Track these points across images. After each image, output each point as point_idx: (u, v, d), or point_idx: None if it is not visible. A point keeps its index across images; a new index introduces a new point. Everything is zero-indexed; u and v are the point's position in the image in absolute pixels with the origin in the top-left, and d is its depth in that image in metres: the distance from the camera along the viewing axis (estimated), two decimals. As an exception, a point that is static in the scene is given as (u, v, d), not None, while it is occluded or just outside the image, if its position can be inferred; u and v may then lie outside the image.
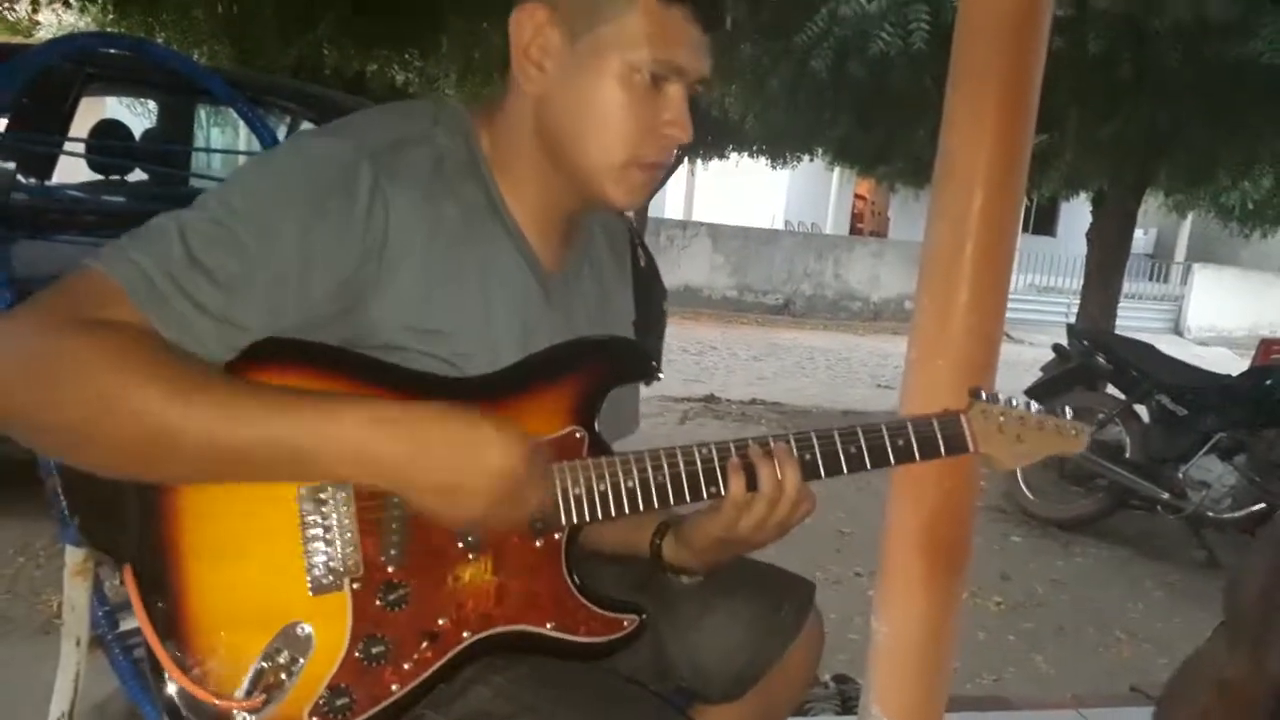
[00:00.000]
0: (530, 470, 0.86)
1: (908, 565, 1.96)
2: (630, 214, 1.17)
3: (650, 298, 1.18)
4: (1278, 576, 1.40)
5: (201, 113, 4.63)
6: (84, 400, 0.76)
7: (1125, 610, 3.63)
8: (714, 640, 1.12)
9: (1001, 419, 1.07)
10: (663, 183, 0.99)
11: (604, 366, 1.02)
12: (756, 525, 0.99)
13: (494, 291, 0.97)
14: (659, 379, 1.06)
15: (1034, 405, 1.10)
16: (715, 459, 0.98)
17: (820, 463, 1.00)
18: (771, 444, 0.99)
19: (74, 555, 1.24)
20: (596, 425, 1.00)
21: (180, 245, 0.82)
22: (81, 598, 1.26)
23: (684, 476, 0.97)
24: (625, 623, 1.01)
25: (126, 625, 1.28)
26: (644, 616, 1.02)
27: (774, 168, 10.84)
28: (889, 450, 1.02)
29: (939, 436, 1.04)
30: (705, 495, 0.98)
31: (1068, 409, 1.12)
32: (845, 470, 1.01)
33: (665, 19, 0.92)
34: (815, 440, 1.00)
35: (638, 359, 1.06)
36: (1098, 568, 4.11)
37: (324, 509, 0.88)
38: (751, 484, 0.97)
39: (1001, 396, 1.09)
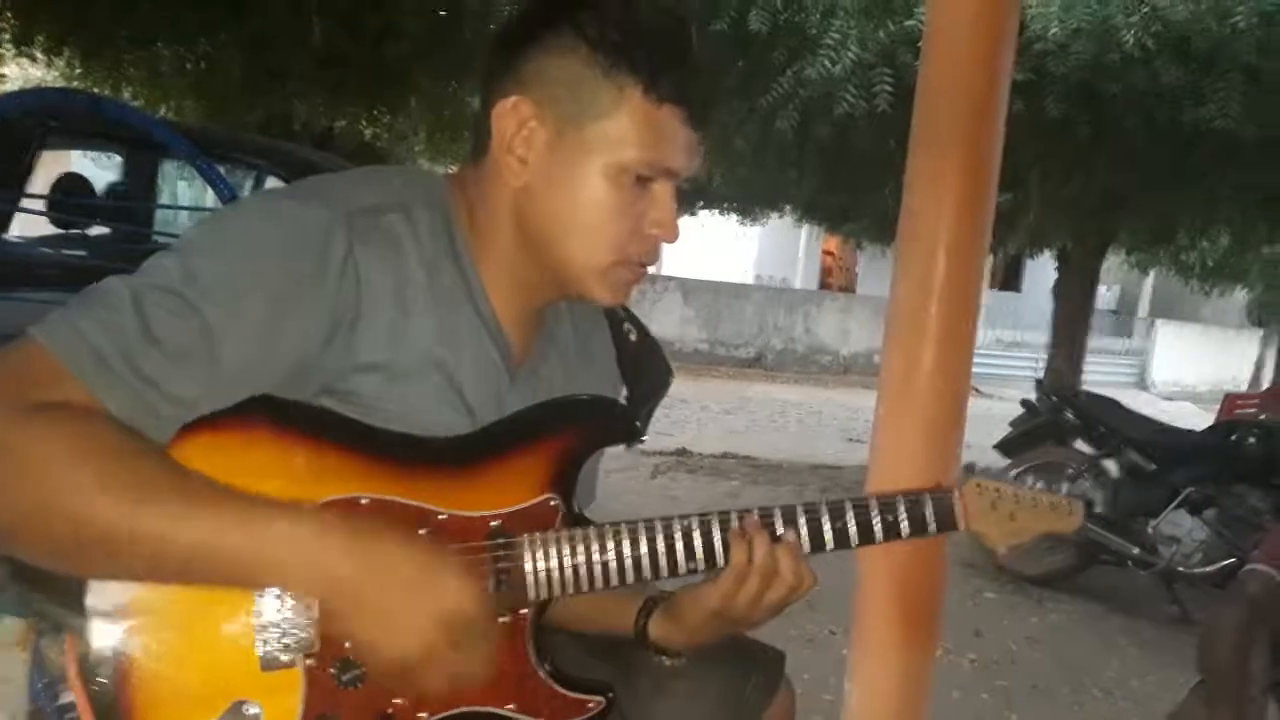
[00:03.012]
0: (478, 623, 0.83)
1: (880, 625, 1.94)
2: None
3: (644, 371, 1.13)
4: (1249, 633, 1.39)
5: (166, 166, 4.60)
6: (22, 495, 0.73)
7: (1099, 666, 3.60)
8: (681, 713, 1.09)
9: (995, 496, 1.04)
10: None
11: (585, 427, 0.98)
12: (751, 600, 0.96)
13: (462, 369, 0.94)
14: (642, 441, 1.04)
15: (1029, 482, 1.08)
16: (696, 532, 0.95)
17: (805, 537, 0.98)
18: (756, 518, 0.97)
19: (11, 626, 1.18)
20: (573, 493, 0.96)
21: (134, 316, 0.78)
22: (19, 671, 1.19)
23: (662, 551, 0.94)
24: (590, 704, 0.97)
25: (66, 699, 1.22)
26: (610, 696, 0.98)
27: (744, 224, 10.98)
28: (877, 527, 0.99)
29: (930, 514, 1.01)
30: (685, 570, 0.95)
31: (1064, 486, 1.10)
32: (829, 548, 0.99)
33: (656, 120, 0.90)
34: (800, 514, 0.98)
35: (619, 419, 1.03)
36: (1071, 624, 4.08)
37: None
38: (750, 554, 0.95)
39: (992, 473, 1.07)
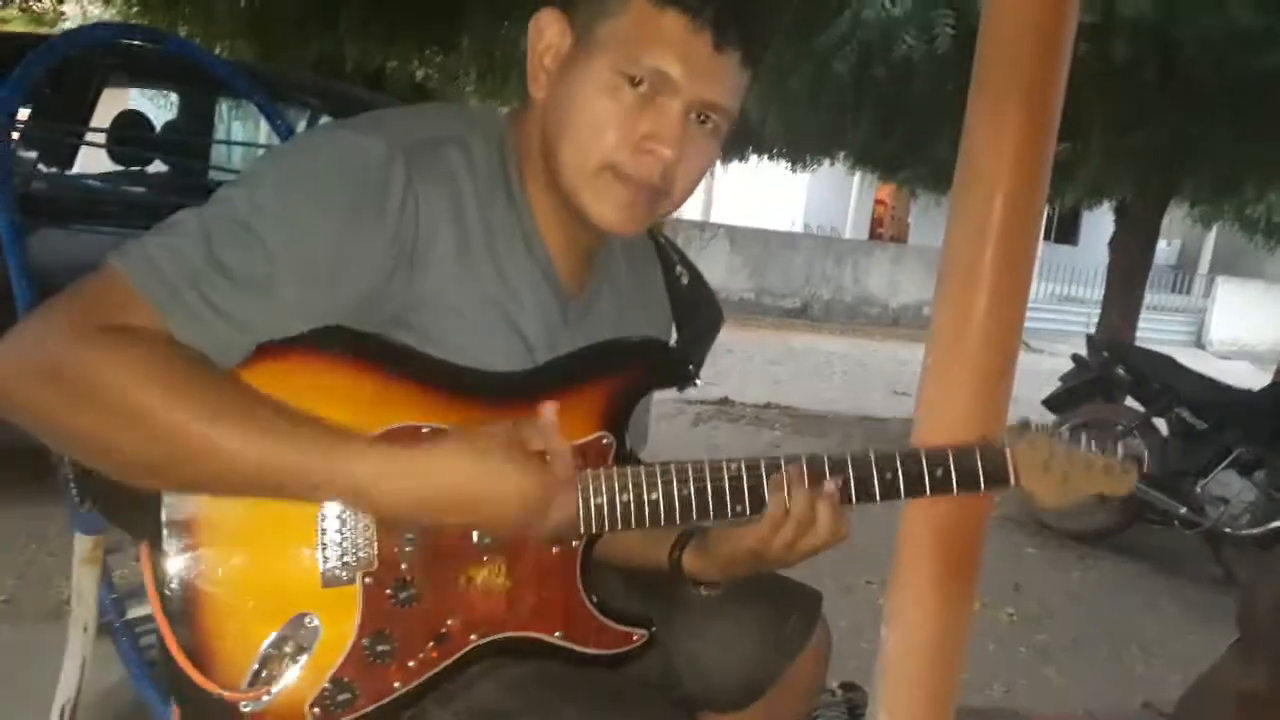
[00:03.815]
0: (546, 494, 0.85)
1: (918, 575, 1.95)
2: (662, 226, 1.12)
3: (695, 314, 1.13)
4: (1293, 595, 1.38)
5: (222, 105, 4.65)
6: (103, 413, 0.76)
7: (1140, 625, 3.59)
8: (720, 651, 1.11)
9: (1049, 455, 1.02)
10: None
11: (639, 370, 1.00)
12: (786, 545, 0.97)
13: (517, 305, 0.95)
14: (695, 385, 1.04)
15: (1084, 440, 1.05)
16: (744, 476, 0.96)
17: (853, 489, 0.97)
18: (803, 465, 0.97)
19: (83, 542, 1.25)
20: (626, 432, 0.98)
21: (203, 247, 0.81)
22: (90, 585, 1.26)
23: (710, 492, 0.95)
24: (634, 637, 1.00)
25: (134, 613, 1.28)
26: (652, 631, 1.01)
27: (794, 171, 10.81)
28: (926, 480, 0.98)
29: (980, 469, 0.99)
30: (730, 513, 0.96)
31: (1119, 447, 1.07)
32: (879, 499, 0.98)
33: (656, 23, 0.87)
34: (850, 464, 0.97)
35: (674, 363, 1.04)
36: (1113, 581, 4.06)
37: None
38: (787, 502, 0.95)
39: (1049, 430, 1.04)
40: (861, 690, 2.29)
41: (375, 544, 0.87)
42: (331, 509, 0.86)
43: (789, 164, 10.30)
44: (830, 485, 0.96)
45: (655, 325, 1.12)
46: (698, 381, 1.03)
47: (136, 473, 0.81)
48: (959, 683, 2.04)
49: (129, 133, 3.82)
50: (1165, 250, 17.53)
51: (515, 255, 0.95)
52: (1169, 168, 5.37)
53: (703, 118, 0.92)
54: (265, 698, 0.86)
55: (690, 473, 0.95)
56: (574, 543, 0.96)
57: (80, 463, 0.87)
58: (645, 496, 0.94)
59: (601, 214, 0.93)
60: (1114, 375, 4.40)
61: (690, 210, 16.45)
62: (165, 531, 0.85)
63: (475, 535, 0.91)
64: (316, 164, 0.86)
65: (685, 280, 1.13)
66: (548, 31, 0.93)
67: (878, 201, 19.24)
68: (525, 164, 0.97)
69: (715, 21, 0.87)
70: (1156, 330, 14.59)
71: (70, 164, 3.62)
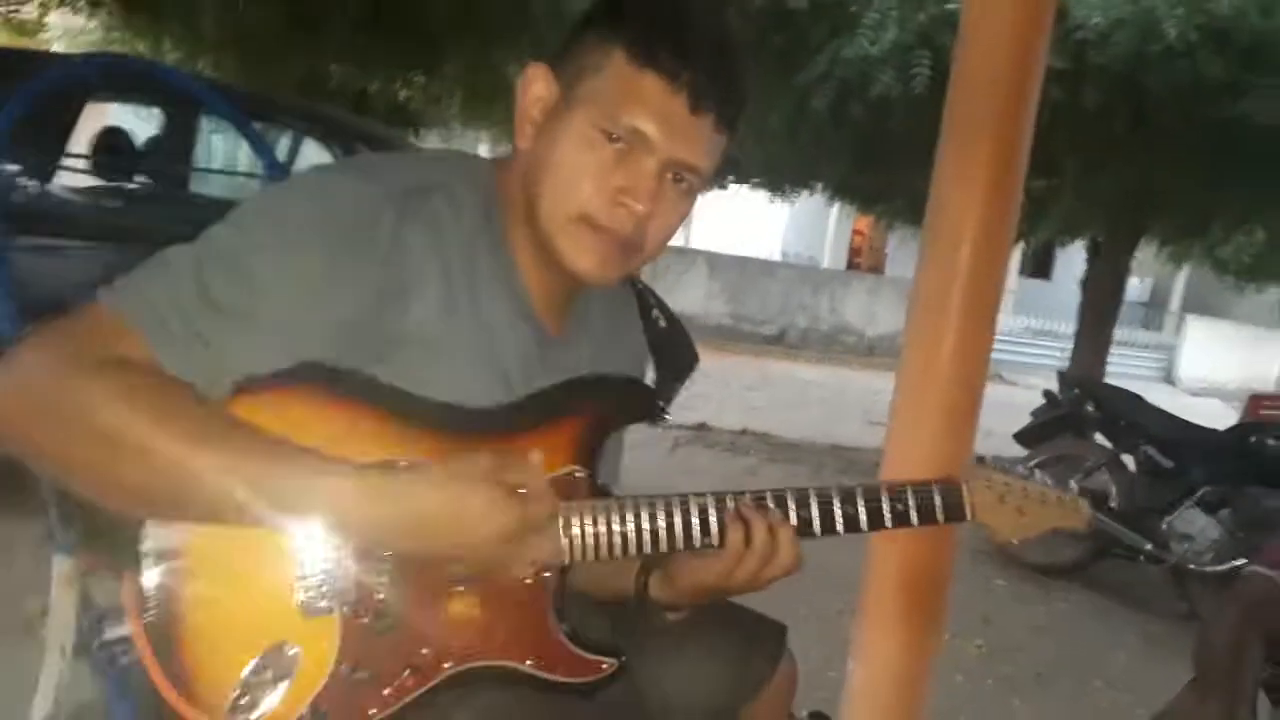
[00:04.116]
0: (522, 528, 0.87)
1: (885, 609, 1.98)
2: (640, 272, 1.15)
3: (671, 355, 1.16)
4: (1246, 631, 1.43)
5: (203, 122, 4.67)
6: (94, 440, 0.78)
7: (1105, 659, 3.63)
8: (686, 681, 1.14)
9: (1005, 489, 1.07)
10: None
11: (611, 405, 1.04)
12: (748, 577, 1.00)
13: (497, 345, 0.99)
14: (665, 420, 1.08)
15: (1038, 476, 1.10)
16: (711, 510, 0.99)
17: (816, 523, 1.01)
18: (769, 500, 1.00)
19: (62, 564, 1.25)
20: (596, 466, 1.01)
21: (193, 281, 0.84)
22: (68, 606, 1.27)
23: (679, 525, 0.98)
24: (604, 665, 1.02)
25: (111, 634, 1.29)
26: (622, 660, 1.03)
27: (773, 200, 10.92)
28: (886, 515, 1.02)
29: (938, 505, 1.04)
30: (699, 545, 0.99)
31: (1072, 483, 1.12)
32: (840, 532, 1.02)
33: (634, 84, 0.91)
34: (814, 499, 1.01)
35: (645, 400, 1.07)
36: (1079, 615, 4.12)
37: (322, 534, 0.89)
38: (748, 538, 0.98)
39: (1005, 465, 1.09)
40: (829, 720, 2.32)
41: (354, 575, 0.90)
42: (312, 540, 0.89)
43: (769, 193, 10.42)
44: (787, 520, 0.99)
45: (631, 365, 1.15)
46: (667, 417, 1.07)
47: (127, 500, 0.83)
48: (924, 715, 2.07)
49: (111, 151, 3.83)
50: (1137, 287, 17.80)
51: (496, 297, 0.99)
52: (1139, 209, 5.50)
53: (677, 177, 0.96)
54: (244, 723, 0.87)
55: (659, 506, 0.98)
56: (546, 573, 0.98)
57: (62, 488, 0.89)
58: (616, 529, 0.97)
59: (576, 262, 0.96)
60: (1084, 412, 4.48)
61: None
62: (146, 559, 0.87)
63: (450, 573, 0.94)
64: (307, 205, 0.90)
65: (662, 324, 1.16)
66: (534, 85, 0.97)
67: (856, 232, 19.44)
68: (509, 210, 1.00)
69: (692, 85, 0.91)
70: (1128, 366, 14.79)
71: (49, 179, 3.63)
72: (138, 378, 0.80)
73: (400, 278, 0.91)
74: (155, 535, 0.87)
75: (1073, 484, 1.12)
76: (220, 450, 0.80)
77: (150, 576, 0.87)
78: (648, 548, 0.98)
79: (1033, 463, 4.46)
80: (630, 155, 0.93)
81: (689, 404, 7.37)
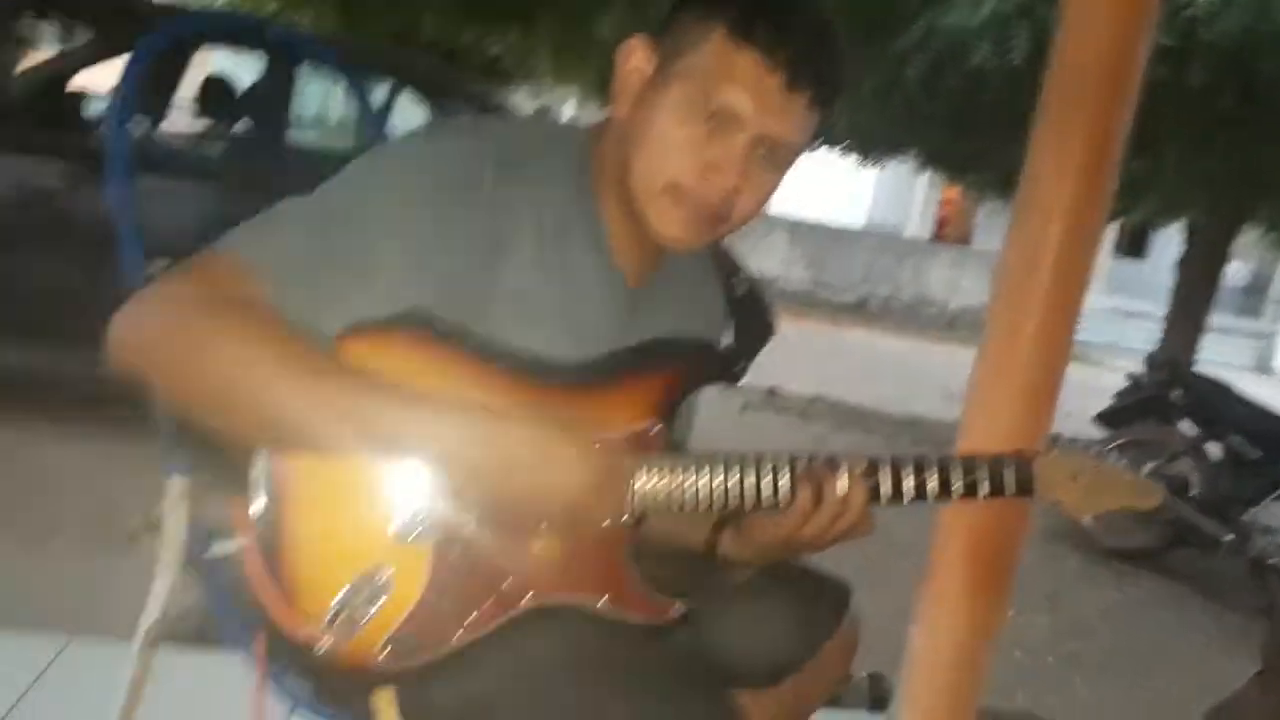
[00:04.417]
0: (602, 490, 0.93)
1: (950, 578, 1.99)
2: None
3: (749, 321, 1.19)
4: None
5: (301, 72, 4.81)
6: (218, 373, 0.86)
7: (1174, 647, 3.59)
8: (750, 632, 1.18)
9: (1077, 467, 1.07)
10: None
11: (691, 367, 1.08)
12: (815, 535, 1.03)
13: (583, 303, 1.03)
14: (739, 384, 1.12)
15: (1112, 457, 1.10)
16: (787, 470, 1.02)
17: (885, 489, 1.03)
18: (842, 461, 1.03)
19: (176, 482, 1.36)
20: (674, 423, 1.06)
21: (308, 232, 0.91)
22: (181, 521, 1.37)
23: (752, 484, 1.01)
24: (672, 610, 1.07)
25: (218, 550, 1.39)
26: (689, 605, 1.08)
27: (862, 166, 10.72)
28: (955, 486, 1.04)
29: (1009, 479, 1.04)
30: (769, 504, 1.02)
31: (1146, 468, 1.13)
32: (906, 501, 1.03)
33: (731, 61, 0.93)
34: (884, 465, 1.03)
35: (724, 363, 1.11)
36: (1150, 601, 4.06)
37: (419, 470, 0.95)
38: (817, 498, 1.01)
39: (1080, 444, 1.10)
40: (887, 680, 2.35)
41: (445, 508, 0.96)
42: (410, 474, 0.95)
43: (857, 158, 10.23)
44: (858, 483, 1.02)
45: (709, 328, 1.19)
46: (740, 383, 1.11)
47: (244, 430, 0.91)
48: (983, 685, 2.09)
49: (215, 98, 3.98)
50: (1237, 272, 17.05)
51: (585, 256, 1.04)
52: (1243, 191, 5.27)
53: (767, 152, 0.98)
54: (340, 639, 0.95)
55: (734, 463, 1.02)
56: (623, 519, 1.04)
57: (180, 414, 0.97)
58: (690, 483, 1.01)
59: (663, 229, 1.00)
60: (1168, 397, 4.37)
61: (752, 199, 16.33)
62: (255, 484, 0.95)
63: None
64: (418, 164, 0.96)
65: (742, 290, 1.19)
66: (634, 57, 1.01)
67: (943, 202, 18.96)
68: (601, 176, 1.05)
69: (789, 63, 0.93)
70: (1221, 353, 14.19)
71: (160, 122, 3.79)
72: (261, 318, 0.87)
73: (498, 234, 0.97)
74: (264, 460, 0.95)
75: (1156, 466, 1.12)
76: (336, 388, 0.87)
77: (258, 500, 0.95)
78: (719, 503, 1.02)
79: (1112, 446, 4.38)
80: (722, 131, 0.95)
81: (761, 368, 7.33)
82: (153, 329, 0.88)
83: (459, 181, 0.95)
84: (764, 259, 13.15)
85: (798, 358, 8.84)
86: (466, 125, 1.03)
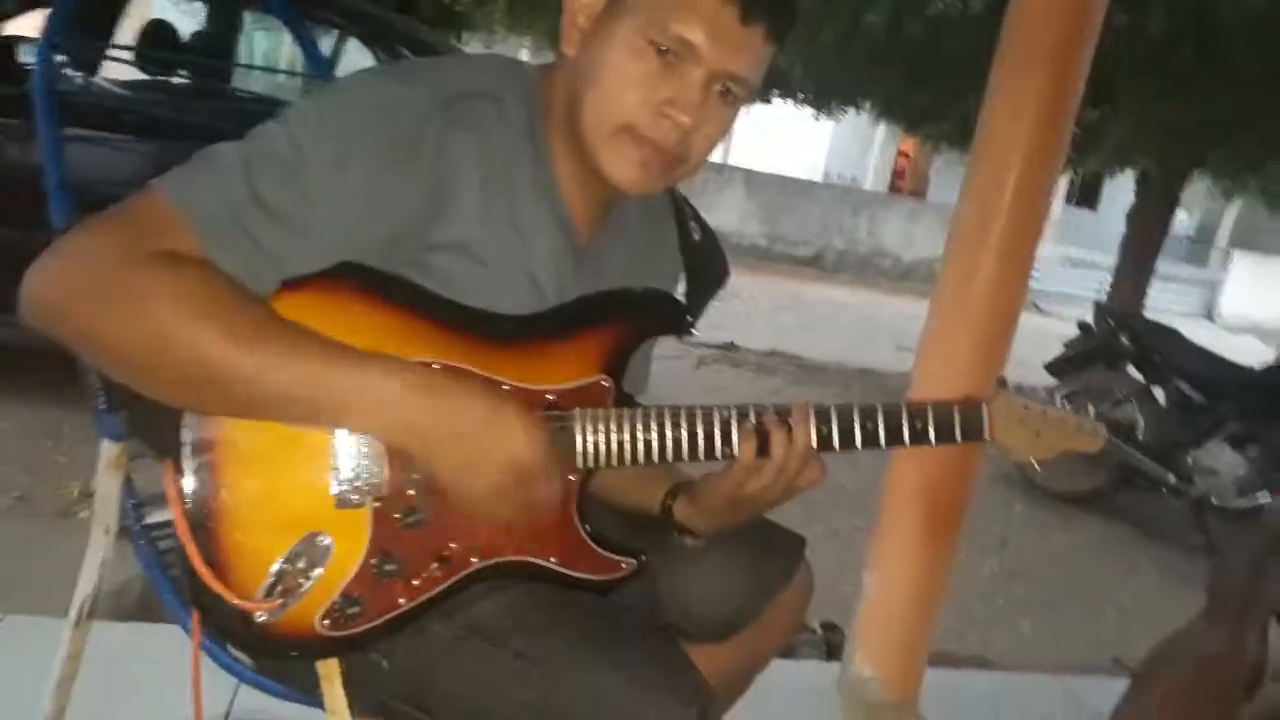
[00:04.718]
0: (540, 460, 0.90)
1: (903, 523, 2.02)
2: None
3: (703, 269, 1.17)
4: (1262, 563, 1.44)
5: (247, 17, 4.63)
6: (143, 333, 0.80)
7: (1118, 586, 3.68)
8: (704, 586, 1.17)
9: (1024, 412, 1.08)
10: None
11: (640, 318, 1.05)
12: (764, 488, 1.02)
13: (533, 253, 0.99)
14: (692, 334, 1.09)
15: (1058, 400, 1.11)
16: (734, 421, 1.01)
17: (835, 437, 1.02)
18: (790, 411, 1.02)
19: (109, 449, 1.30)
20: (623, 376, 1.03)
21: (244, 180, 0.85)
22: (113, 489, 1.32)
23: (700, 435, 1.00)
24: (624, 565, 1.05)
25: (153, 519, 1.35)
26: (641, 560, 1.07)
27: (818, 117, 10.67)
28: (905, 431, 1.04)
29: (958, 423, 1.05)
30: (719, 455, 1.01)
31: (1090, 408, 1.13)
32: (859, 447, 1.03)
33: None
34: (834, 413, 1.02)
35: (674, 313, 1.08)
36: (1096, 543, 4.16)
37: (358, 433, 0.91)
38: (764, 448, 1.00)
39: (1027, 390, 1.10)
40: (841, 631, 2.38)
41: (386, 471, 0.93)
42: (348, 437, 0.92)
43: (814, 110, 10.16)
44: (803, 431, 1.01)
45: (664, 277, 1.16)
46: (695, 331, 1.08)
47: (173, 392, 0.85)
48: (934, 630, 2.13)
49: (156, 45, 3.81)
50: (1185, 221, 17.35)
51: (535, 205, 0.99)
52: (1196, 140, 5.32)
53: (723, 89, 0.95)
54: (277, 609, 0.92)
55: (683, 416, 1.00)
56: (571, 476, 1.01)
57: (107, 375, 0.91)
58: (639, 436, 0.99)
59: (617, 173, 0.96)
60: (1118, 344, 4.44)
61: (709, 150, 16.24)
62: (187, 448, 0.90)
63: None
64: (356, 109, 0.90)
65: (697, 236, 1.16)
66: None
67: (900, 153, 19.00)
68: (551, 118, 1.00)
69: None
70: (1169, 300, 14.51)
71: (95, 71, 3.63)
72: (188, 271, 0.82)
73: (443, 184, 0.92)
74: (195, 425, 0.90)
75: (1091, 409, 1.13)
76: (272, 343, 0.83)
77: (190, 464, 0.90)
78: (669, 456, 1.00)
79: (1063, 393, 4.45)
80: (677, 66, 0.92)
81: (718, 323, 7.37)
82: (71, 285, 0.82)
83: (400, 130, 0.90)
84: (721, 212, 13.10)
85: (755, 313, 8.87)
86: (409, 69, 0.97)
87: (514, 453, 0.89)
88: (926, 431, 1.05)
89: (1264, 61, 4.19)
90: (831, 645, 2.39)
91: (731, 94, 0.96)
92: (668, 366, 5.39)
